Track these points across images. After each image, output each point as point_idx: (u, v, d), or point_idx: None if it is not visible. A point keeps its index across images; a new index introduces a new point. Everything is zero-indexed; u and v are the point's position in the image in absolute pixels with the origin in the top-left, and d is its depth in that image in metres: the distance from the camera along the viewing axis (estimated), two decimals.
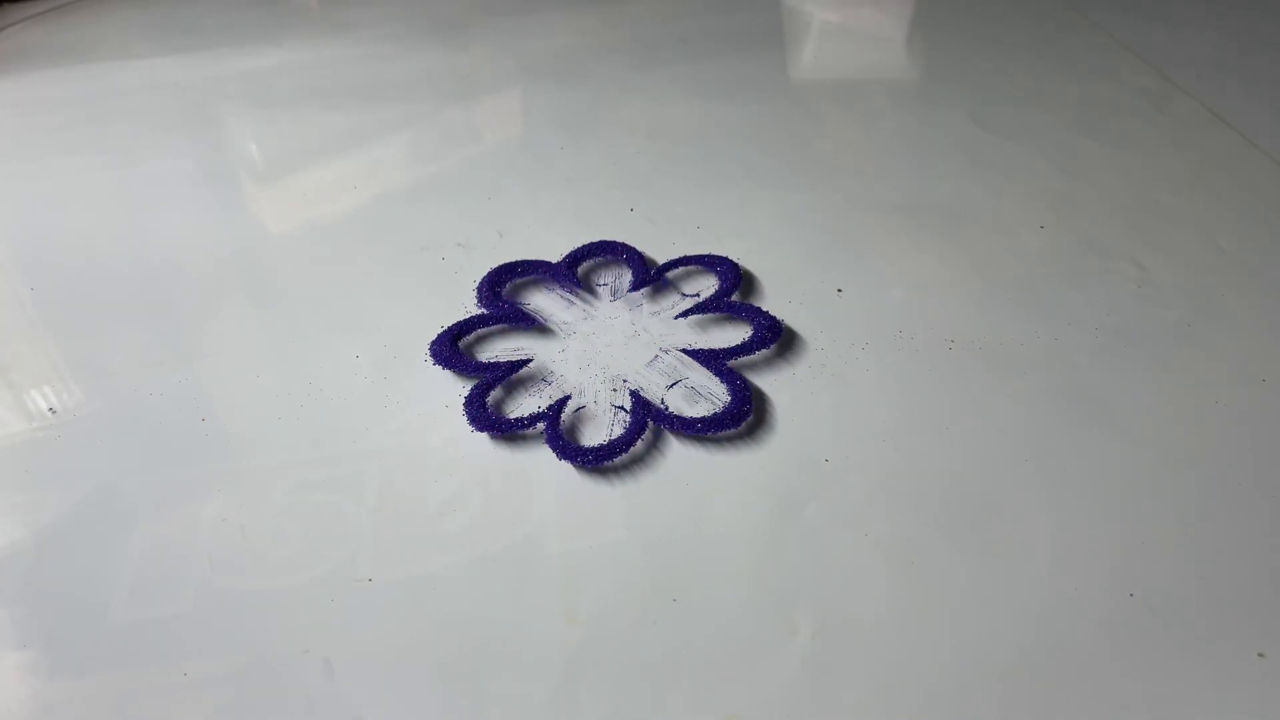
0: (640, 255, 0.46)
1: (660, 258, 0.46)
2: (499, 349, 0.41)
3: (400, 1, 0.78)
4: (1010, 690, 0.28)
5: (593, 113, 0.60)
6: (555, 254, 0.46)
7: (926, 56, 0.68)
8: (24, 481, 0.36)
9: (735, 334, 0.41)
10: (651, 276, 0.44)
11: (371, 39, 0.72)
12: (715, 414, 0.36)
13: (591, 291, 0.44)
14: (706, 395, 0.37)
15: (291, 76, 0.67)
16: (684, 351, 0.39)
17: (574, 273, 0.45)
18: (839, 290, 0.43)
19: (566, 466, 0.35)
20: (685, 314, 0.42)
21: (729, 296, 0.43)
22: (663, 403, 0.37)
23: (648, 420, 0.36)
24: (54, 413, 0.39)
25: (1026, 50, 0.66)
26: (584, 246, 0.46)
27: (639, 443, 0.36)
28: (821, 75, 0.65)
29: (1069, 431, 0.36)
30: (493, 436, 0.36)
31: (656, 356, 0.39)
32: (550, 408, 0.37)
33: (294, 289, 0.46)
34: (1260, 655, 0.28)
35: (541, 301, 0.43)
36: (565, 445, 0.35)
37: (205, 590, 0.32)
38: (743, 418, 0.36)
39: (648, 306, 0.43)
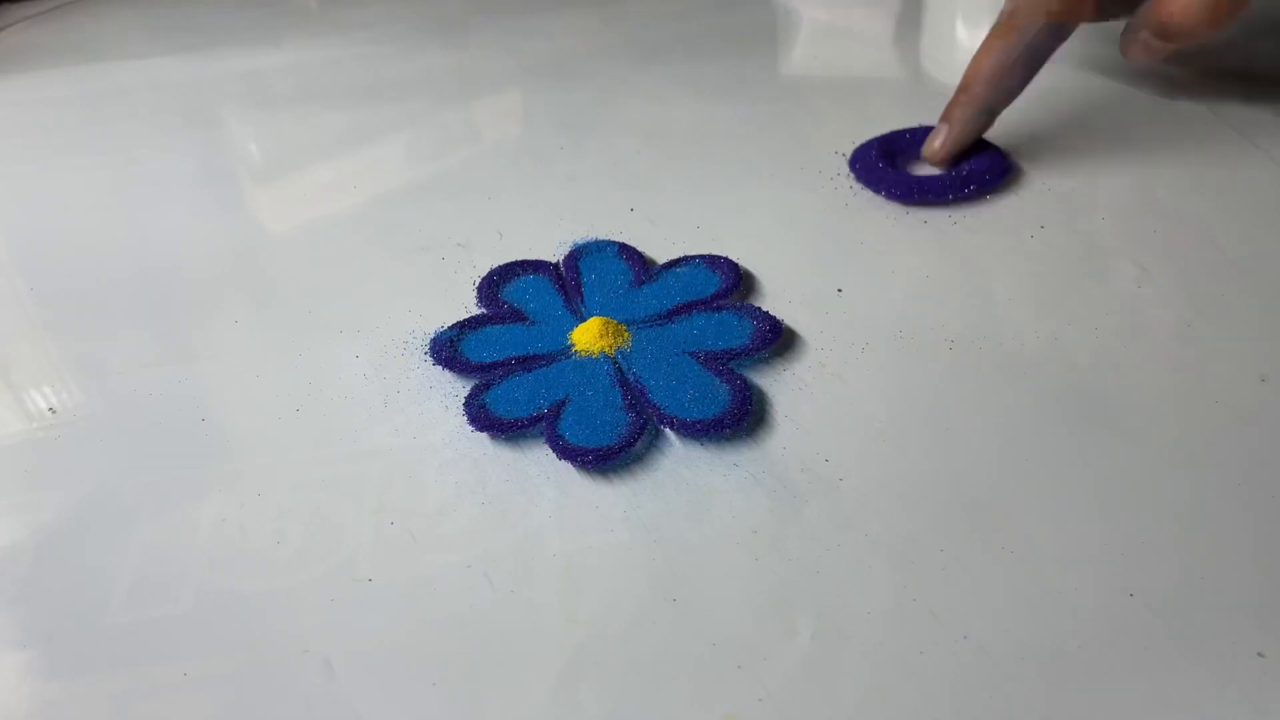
0: (640, 255, 0.46)
1: (660, 258, 0.46)
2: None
3: (400, 1, 0.78)
4: (1010, 690, 0.28)
5: (593, 113, 0.60)
6: (555, 254, 0.46)
7: (926, 57, 0.68)
8: (24, 481, 0.36)
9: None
10: (651, 276, 0.44)
11: (371, 39, 0.72)
12: (715, 414, 0.36)
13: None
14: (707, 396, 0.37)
15: (291, 76, 0.67)
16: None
17: (574, 273, 0.45)
18: (839, 290, 0.43)
19: (566, 466, 0.35)
20: (685, 314, 0.42)
21: (729, 296, 0.43)
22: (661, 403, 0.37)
23: (648, 420, 0.36)
24: (54, 413, 0.39)
25: None
26: (583, 246, 0.46)
27: (639, 443, 0.36)
28: (821, 75, 0.65)
29: (1069, 431, 0.36)
30: (492, 436, 0.36)
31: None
32: (550, 408, 0.37)
33: (294, 289, 0.46)
34: (1260, 655, 0.28)
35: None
36: (565, 445, 0.35)
37: (205, 590, 0.32)
38: (743, 418, 0.36)
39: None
